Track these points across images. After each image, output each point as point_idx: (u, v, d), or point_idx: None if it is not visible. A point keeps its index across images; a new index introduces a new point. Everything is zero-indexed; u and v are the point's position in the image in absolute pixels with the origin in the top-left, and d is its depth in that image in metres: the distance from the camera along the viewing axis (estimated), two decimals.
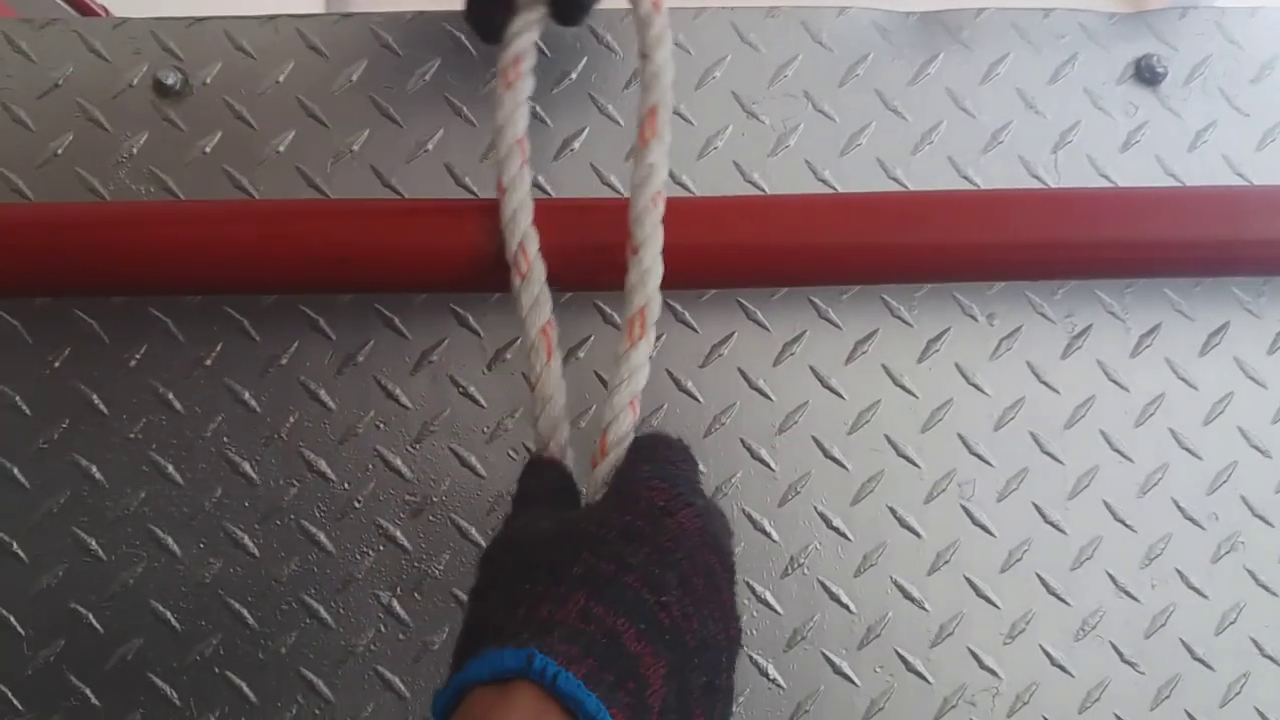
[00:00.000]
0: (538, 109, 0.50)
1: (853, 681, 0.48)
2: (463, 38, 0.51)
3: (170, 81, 0.50)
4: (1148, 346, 0.50)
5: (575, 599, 0.29)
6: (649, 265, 0.40)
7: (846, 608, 0.48)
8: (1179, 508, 0.50)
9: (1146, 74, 0.52)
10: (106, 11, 0.89)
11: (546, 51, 0.50)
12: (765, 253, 0.45)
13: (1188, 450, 0.50)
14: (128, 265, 0.44)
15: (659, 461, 0.36)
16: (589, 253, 0.43)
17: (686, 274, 0.44)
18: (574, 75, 0.51)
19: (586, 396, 0.49)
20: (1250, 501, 0.50)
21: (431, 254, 0.44)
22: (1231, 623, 0.49)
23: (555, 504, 0.37)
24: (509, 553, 0.33)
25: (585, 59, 0.51)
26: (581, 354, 0.49)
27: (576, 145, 0.50)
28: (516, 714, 0.26)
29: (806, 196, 0.47)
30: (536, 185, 0.49)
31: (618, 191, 0.50)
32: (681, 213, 0.43)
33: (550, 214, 0.43)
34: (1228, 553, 0.50)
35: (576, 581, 0.30)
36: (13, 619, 0.48)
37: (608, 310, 0.49)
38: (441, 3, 0.50)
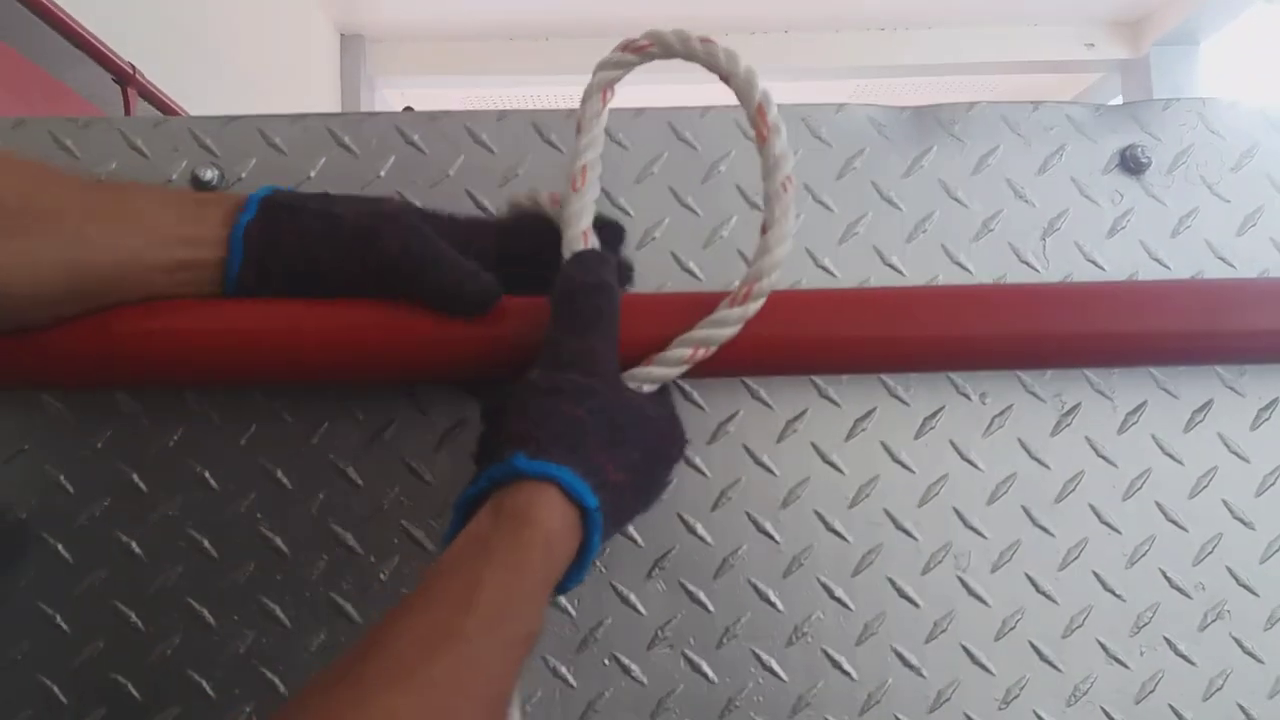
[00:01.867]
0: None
1: None
2: (483, 135, 0.56)
3: (208, 177, 0.55)
4: (1134, 424, 0.55)
5: (620, 478, 0.43)
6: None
7: (848, 675, 0.53)
8: (1166, 577, 0.54)
9: (1131, 163, 0.57)
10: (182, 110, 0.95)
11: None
12: (773, 345, 0.50)
13: (1174, 523, 0.55)
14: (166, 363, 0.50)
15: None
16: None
17: (696, 365, 0.49)
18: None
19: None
20: (1235, 571, 0.55)
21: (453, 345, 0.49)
22: (1218, 689, 0.54)
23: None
24: (602, 400, 0.44)
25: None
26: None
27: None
28: (570, 530, 0.40)
29: (809, 292, 0.52)
30: None
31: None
32: (688, 306, 0.48)
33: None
34: (1214, 621, 0.54)
35: (625, 467, 0.43)
36: (56, 689, 0.53)
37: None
38: (465, 102, 0.55)
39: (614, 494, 0.42)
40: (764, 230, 0.48)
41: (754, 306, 0.48)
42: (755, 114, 0.48)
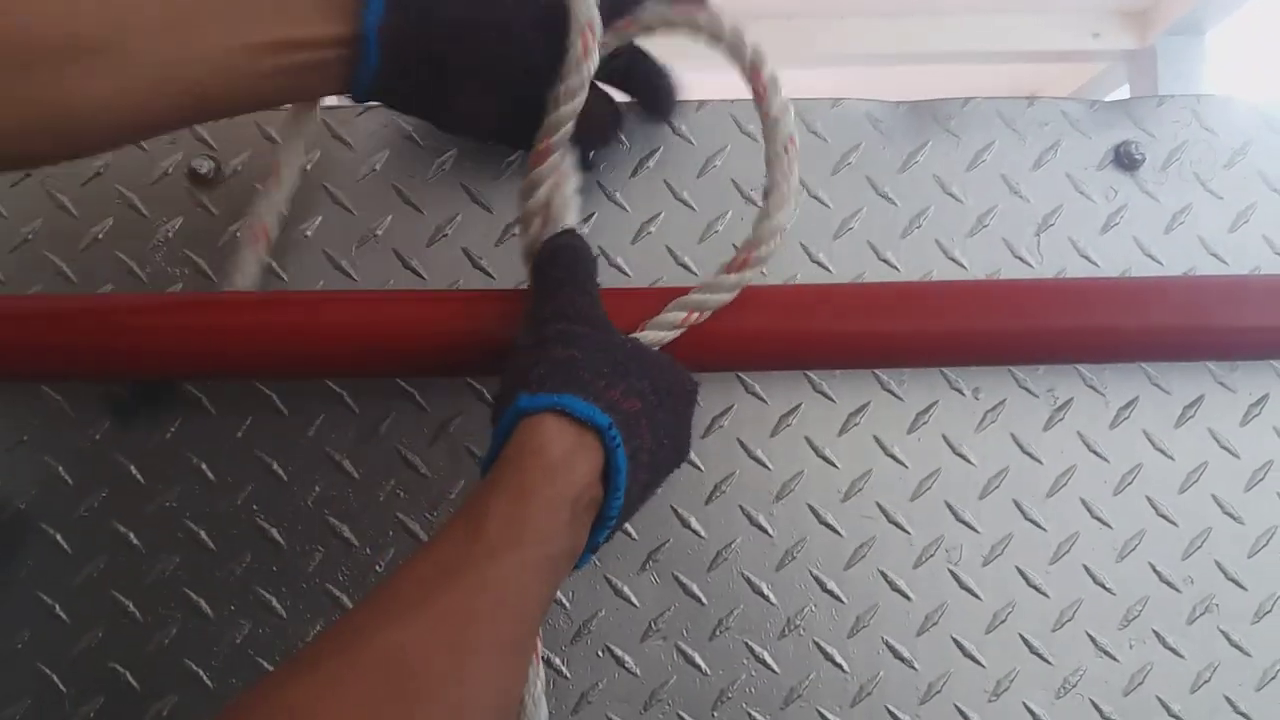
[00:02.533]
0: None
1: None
2: None
3: (204, 170, 0.56)
4: (1125, 419, 0.56)
5: (634, 403, 0.42)
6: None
7: (840, 667, 0.54)
8: (1156, 571, 0.56)
9: (1125, 160, 0.58)
10: None
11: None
12: (768, 339, 0.51)
13: (1164, 517, 0.56)
14: (161, 353, 0.51)
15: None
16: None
17: (691, 358, 0.50)
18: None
19: None
20: (1224, 566, 0.56)
21: (451, 339, 0.50)
22: (1206, 681, 0.55)
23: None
24: (582, 332, 0.44)
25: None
26: None
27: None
28: (588, 462, 0.40)
29: (803, 287, 0.53)
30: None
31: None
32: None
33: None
34: (1202, 614, 0.56)
35: (637, 393, 0.43)
36: (55, 677, 0.54)
37: None
38: None
39: (630, 420, 0.41)
40: (765, 195, 0.48)
41: (750, 274, 0.49)
42: (750, 72, 0.48)
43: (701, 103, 0.58)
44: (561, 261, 0.47)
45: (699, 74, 0.59)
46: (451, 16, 0.46)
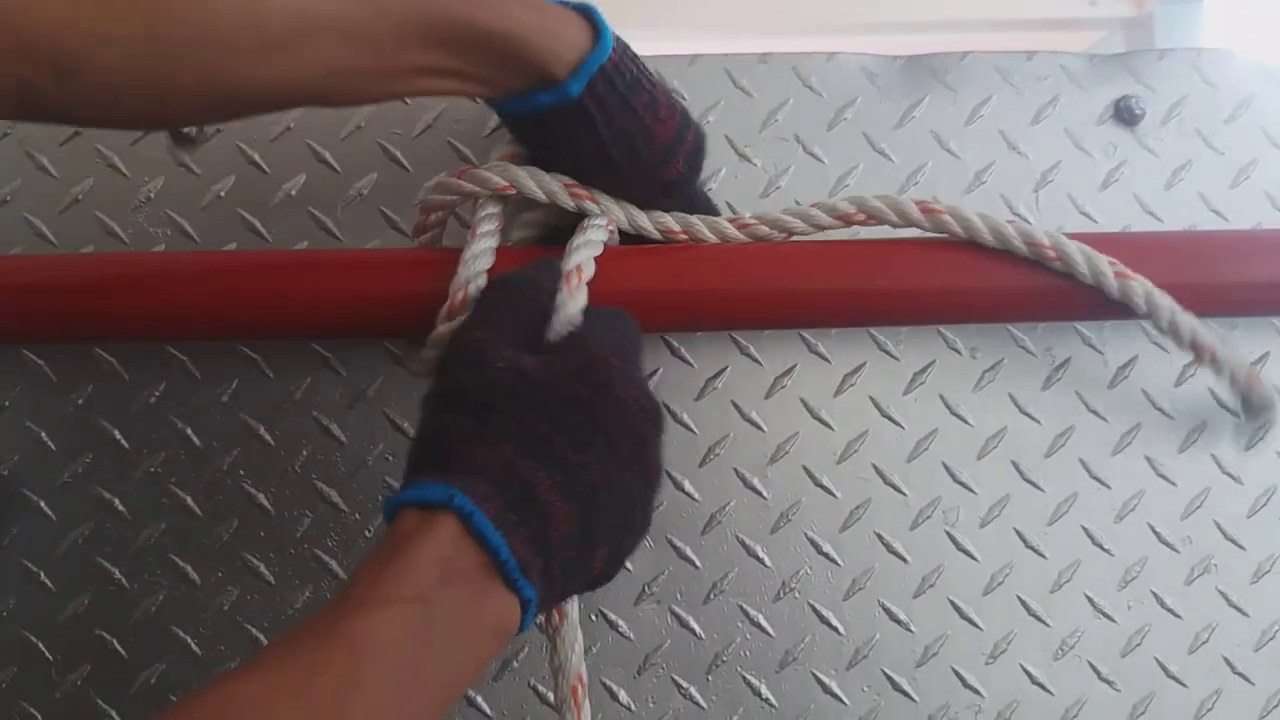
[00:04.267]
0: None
1: (842, 701, 0.54)
2: None
3: (186, 129, 0.55)
4: (1125, 378, 0.56)
5: (505, 450, 0.38)
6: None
7: (836, 630, 0.54)
8: (1155, 532, 0.55)
9: (1125, 115, 0.57)
10: None
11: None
12: (758, 297, 0.50)
13: (1163, 477, 0.56)
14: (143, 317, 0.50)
15: (616, 334, 0.43)
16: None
17: (682, 316, 0.49)
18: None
19: None
20: (1223, 526, 0.56)
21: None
22: (1204, 642, 0.55)
23: (516, 325, 0.43)
24: (462, 387, 0.40)
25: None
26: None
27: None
28: (435, 537, 0.35)
29: (798, 244, 0.52)
30: None
31: None
32: (679, 258, 0.49)
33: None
34: (1201, 575, 0.55)
35: (511, 435, 0.38)
36: (41, 645, 0.53)
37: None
38: None
39: (504, 470, 0.37)
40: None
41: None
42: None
43: (695, 57, 0.57)
44: (480, 301, 0.45)
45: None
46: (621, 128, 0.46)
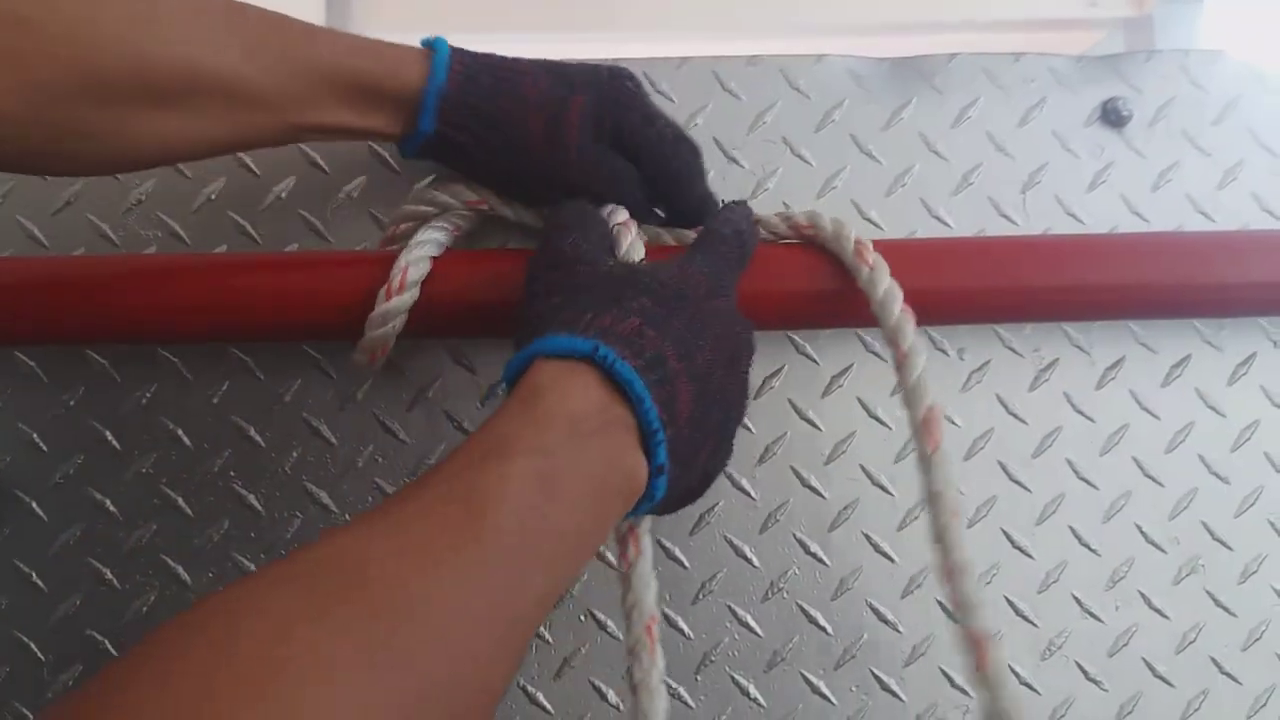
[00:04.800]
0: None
1: (830, 700, 0.54)
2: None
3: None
4: (1112, 379, 0.56)
5: (632, 321, 0.38)
6: None
7: (824, 630, 0.54)
8: (1142, 532, 0.56)
9: (1113, 116, 0.57)
10: None
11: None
12: (749, 300, 0.50)
13: (1150, 478, 0.56)
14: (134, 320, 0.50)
15: (715, 256, 0.45)
16: None
17: None
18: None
19: None
20: (1210, 526, 0.56)
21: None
22: (1191, 642, 0.55)
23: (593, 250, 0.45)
24: (575, 274, 0.42)
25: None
26: None
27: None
28: (569, 389, 0.35)
29: (785, 246, 0.52)
30: None
31: None
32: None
33: None
34: (1188, 575, 0.56)
35: (635, 311, 0.39)
36: (33, 645, 0.54)
37: None
38: None
39: (631, 336, 0.37)
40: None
41: None
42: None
43: (683, 60, 0.57)
44: (555, 216, 0.47)
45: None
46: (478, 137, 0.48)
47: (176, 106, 0.41)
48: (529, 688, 0.54)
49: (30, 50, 0.38)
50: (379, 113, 0.47)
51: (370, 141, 0.50)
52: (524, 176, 0.50)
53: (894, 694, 0.54)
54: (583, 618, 0.54)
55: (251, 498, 0.55)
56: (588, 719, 0.54)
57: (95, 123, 0.40)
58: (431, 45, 0.48)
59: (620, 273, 0.42)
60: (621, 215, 0.49)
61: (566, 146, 0.48)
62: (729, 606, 0.55)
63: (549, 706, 0.54)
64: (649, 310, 0.39)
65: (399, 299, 0.48)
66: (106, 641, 0.54)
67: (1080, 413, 0.56)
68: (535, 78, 0.49)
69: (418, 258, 0.48)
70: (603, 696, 0.54)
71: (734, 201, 0.50)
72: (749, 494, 0.55)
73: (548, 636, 0.54)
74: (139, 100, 0.40)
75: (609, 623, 0.54)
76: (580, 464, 0.34)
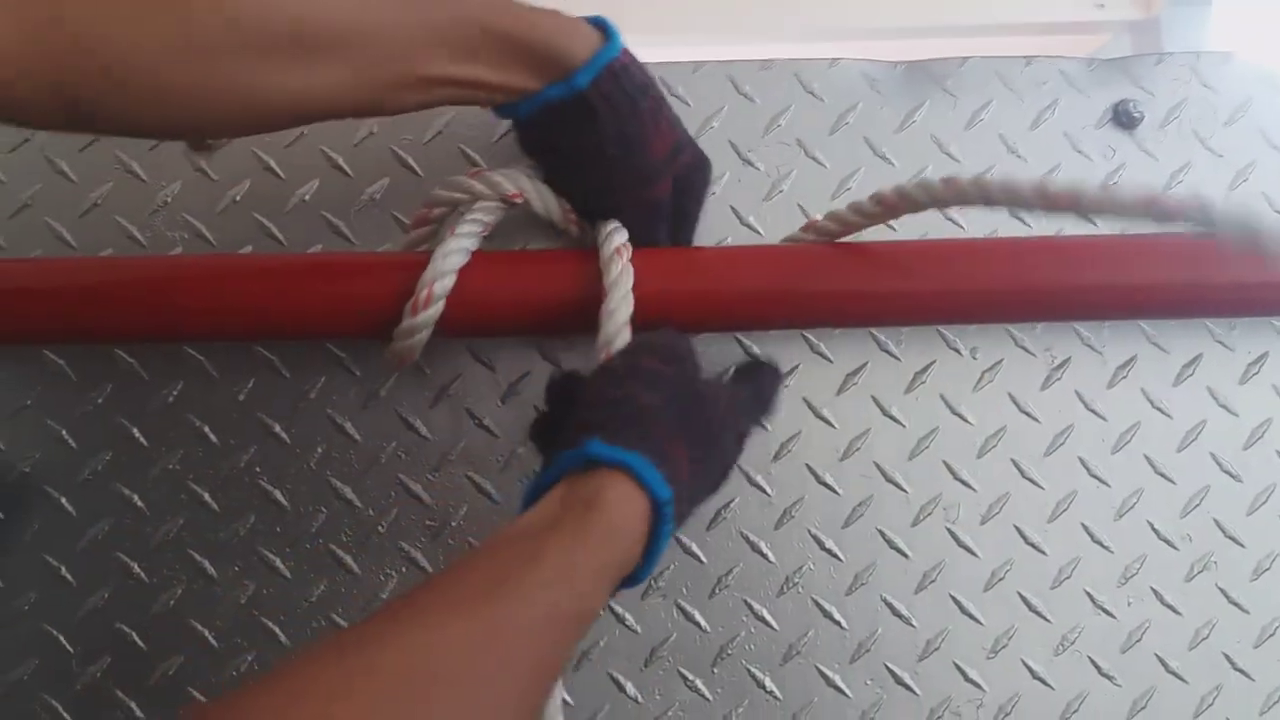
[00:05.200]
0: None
1: (844, 693, 0.54)
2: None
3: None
4: (1123, 378, 0.56)
5: (694, 450, 0.43)
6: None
7: (839, 624, 0.55)
8: (1154, 529, 0.56)
9: (1124, 118, 0.58)
10: None
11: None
12: (763, 300, 0.51)
13: (1162, 475, 0.56)
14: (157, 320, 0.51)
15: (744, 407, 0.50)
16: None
17: (689, 318, 0.50)
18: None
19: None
20: (1222, 523, 0.56)
21: None
22: (1204, 638, 0.56)
23: None
24: (673, 384, 0.44)
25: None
26: None
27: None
28: (622, 488, 0.39)
29: (800, 246, 0.53)
30: None
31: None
32: (684, 262, 0.50)
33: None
34: (1200, 572, 0.56)
35: (693, 439, 0.43)
36: (62, 638, 0.55)
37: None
38: None
39: (680, 476, 0.42)
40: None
41: None
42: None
43: (699, 64, 0.58)
44: (655, 334, 0.47)
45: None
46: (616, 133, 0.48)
47: (298, 57, 0.40)
48: None
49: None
50: (524, 70, 0.46)
51: (494, 104, 0.48)
52: (608, 184, 0.50)
53: (908, 687, 0.55)
54: (601, 611, 0.55)
55: (277, 493, 0.56)
56: (606, 710, 0.54)
57: (230, 77, 0.39)
58: (600, 21, 0.48)
59: (702, 393, 0.45)
60: (620, 238, 0.50)
61: (659, 191, 0.50)
62: (745, 601, 0.55)
63: (568, 699, 0.54)
64: (706, 452, 0.45)
65: (425, 314, 0.48)
66: (134, 634, 0.55)
67: (1092, 411, 0.57)
68: (673, 112, 0.51)
69: (444, 271, 0.49)
70: (621, 689, 0.54)
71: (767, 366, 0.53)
72: (764, 490, 0.56)
73: None
74: (265, 51, 0.40)
75: (627, 616, 0.55)
76: (595, 611, 0.39)
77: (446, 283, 0.49)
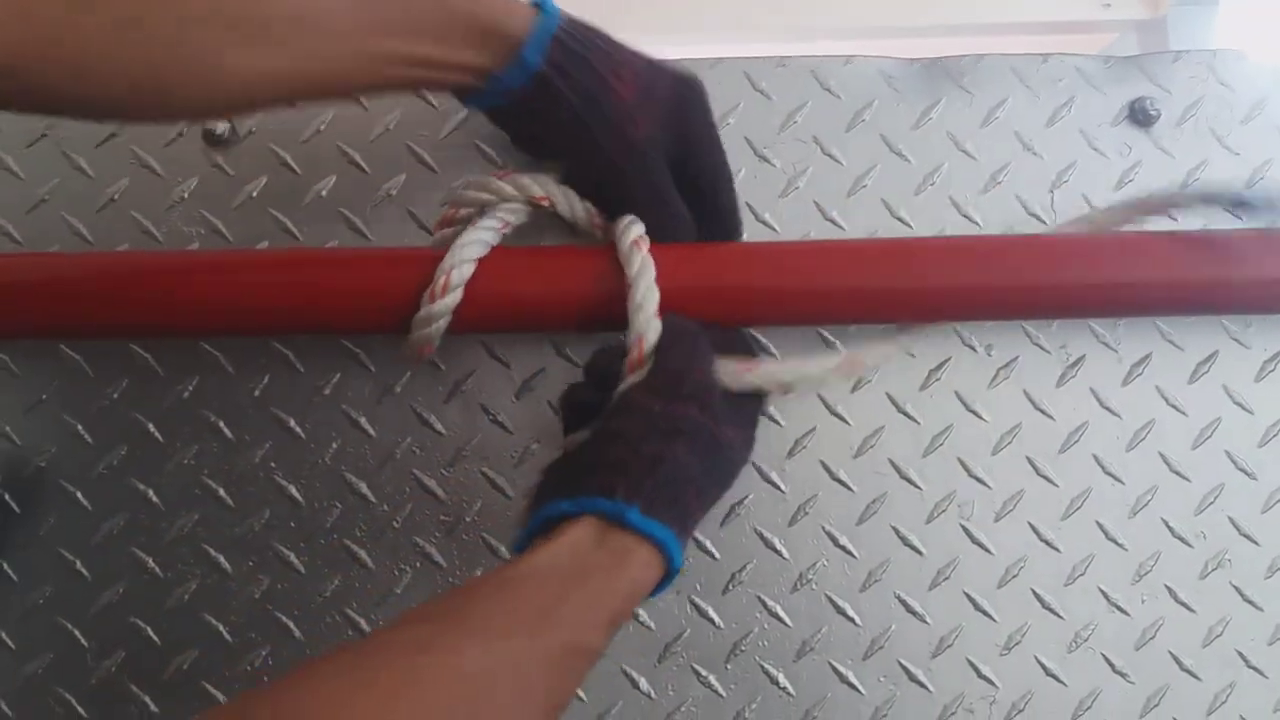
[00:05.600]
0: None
1: (858, 690, 0.54)
2: None
3: (219, 130, 0.57)
4: (1139, 375, 0.56)
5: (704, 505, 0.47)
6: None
7: (852, 621, 0.55)
8: (1168, 527, 0.56)
9: (1140, 116, 0.58)
10: None
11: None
12: (780, 296, 0.51)
13: (1177, 473, 0.56)
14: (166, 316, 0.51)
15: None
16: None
17: (706, 314, 0.50)
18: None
19: None
20: (1237, 521, 0.56)
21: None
22: (1218, 635, 0.56)
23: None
24: (698, 436, 0.45)
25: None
26: None
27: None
28: (648, 555, 0.42)
29: (816, 243, 0.53)
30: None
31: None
32: (698, 258, 0.50)
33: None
34: (1215, 569, 0.56)
35: (706, 495, 0.47)
36: (77, 632, 0.55)
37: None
38: None
39: (690, 528, 0.45)
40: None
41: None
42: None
43: (716, 61, 0.58)
44: (682, 342, 0.48)
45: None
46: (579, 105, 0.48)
47: (247, 38, 0.40)
48: None
49: None
50: (470, 48, 0.46)
51: (452, 89, 0.48)
52: (593, 148, 0.49)
53: (921, 684, 0.55)
54: None
55: (292, 488, 0.55)
56: (619, 706, 0.54)
57: (179, 58, 0.39)
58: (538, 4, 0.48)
59: (731, 446, 0.47)
60: (638, 230, 0.50)
61: (636, 132, 0.49)
62: (759, 597, 0.55)
63: (581, 695, 0.54)
64: (708, 493, 0.47)
65: (443, 302, 0.48)
66: (148, 629, 0.55)
67: (1107, 408, 0.56)
68: (631, 52, 0.50)
69: (462, 259, 0.49)
70: (635, 684, 0.54)
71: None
72: (778, 487, 0.56)
73: None
74: (215, 31, 0.39)
75: (640, 612, 0.55)
76: (609, 637, 0.41)
77: (464, 271, 0.49)
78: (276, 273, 0.51)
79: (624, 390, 0.46)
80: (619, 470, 0.42)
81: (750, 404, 0.51)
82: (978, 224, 0.57)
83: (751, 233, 0.57)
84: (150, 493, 0.56)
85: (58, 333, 0.55)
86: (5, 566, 0.55)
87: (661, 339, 0.47)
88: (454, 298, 0.49)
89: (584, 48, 0.48)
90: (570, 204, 0.51)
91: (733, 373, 0.48)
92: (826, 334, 0.56)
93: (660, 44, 0.52)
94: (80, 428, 0.56)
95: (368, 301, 0.50)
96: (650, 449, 0.43)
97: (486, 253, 0.49)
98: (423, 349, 0.50)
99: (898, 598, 0.55)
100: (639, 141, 0.49)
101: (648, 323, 0.47)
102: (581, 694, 0.54)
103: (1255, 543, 0.56)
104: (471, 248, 0.49)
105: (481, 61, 0.47)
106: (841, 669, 0.55)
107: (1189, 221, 0.58)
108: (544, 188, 0.51)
